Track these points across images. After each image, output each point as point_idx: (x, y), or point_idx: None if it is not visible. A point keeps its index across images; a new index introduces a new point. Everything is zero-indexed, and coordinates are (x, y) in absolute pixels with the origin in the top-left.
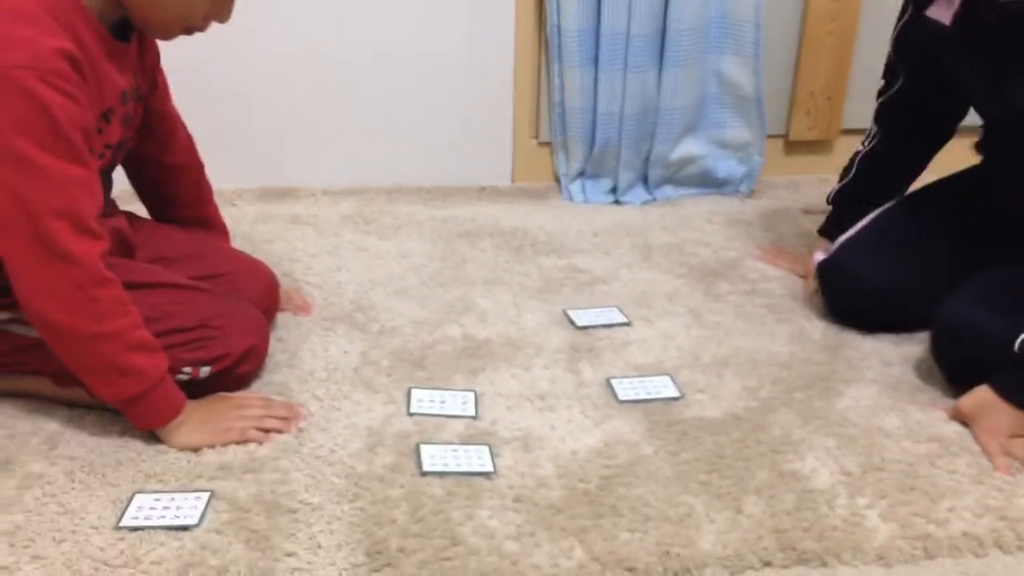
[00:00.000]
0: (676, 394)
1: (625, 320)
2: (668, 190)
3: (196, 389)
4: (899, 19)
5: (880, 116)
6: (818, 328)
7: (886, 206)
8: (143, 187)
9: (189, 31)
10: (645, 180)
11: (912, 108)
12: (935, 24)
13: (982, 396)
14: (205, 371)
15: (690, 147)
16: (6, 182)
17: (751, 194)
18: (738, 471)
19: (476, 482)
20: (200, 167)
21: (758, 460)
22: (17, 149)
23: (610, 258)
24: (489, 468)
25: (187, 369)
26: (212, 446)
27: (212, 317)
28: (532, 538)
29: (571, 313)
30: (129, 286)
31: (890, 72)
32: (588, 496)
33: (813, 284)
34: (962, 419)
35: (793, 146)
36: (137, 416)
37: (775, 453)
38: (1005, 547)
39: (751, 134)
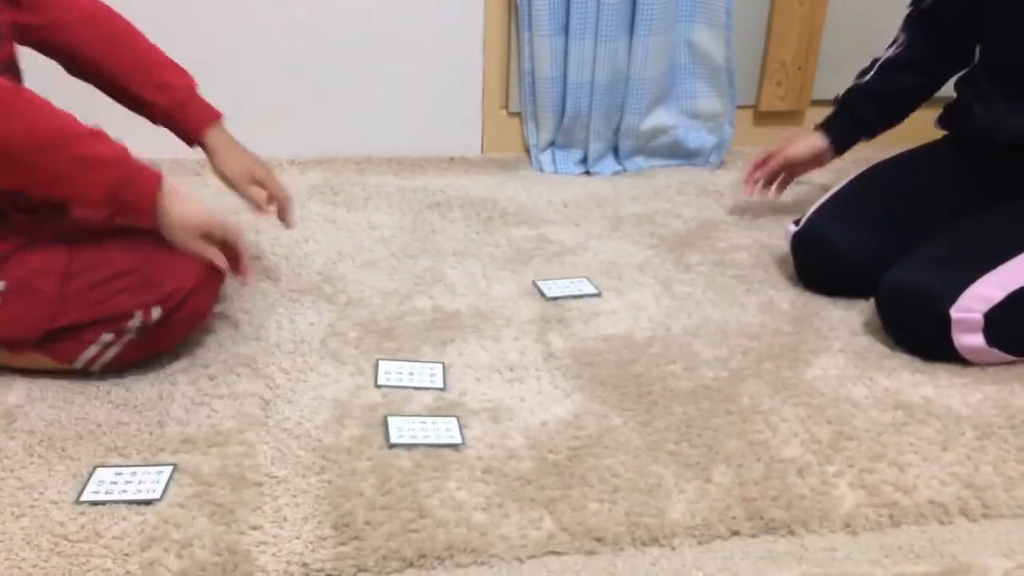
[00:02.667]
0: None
1: (595, 291)
2: (639, 160)
3: (153, 336)
4: None
5: (909, 23)
6: (787, 298)
7: (857, 175)
8: (73, 69)
9: None
10: (615, 151)
11: (942, 20)
12: None
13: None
14: (157, 312)
15: (661, 117)
16: None
17: (721, 165)
18: (707, 441)
19: (444, 454)
20: (109, 12)
21: (727, 430)
22: None
23: (580, 229)
24: (458, 440)
25: (138, 313)
26: (210, 231)
27: (150, 257)
28: (501, 509)
29: (541, 284)
30: (62, 236)
31: None
32: (557, 467)
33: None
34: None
35: (763, 116)
36: (133, 199)
37: (744, 423)
38: (970, 515)
39: (722, 104)
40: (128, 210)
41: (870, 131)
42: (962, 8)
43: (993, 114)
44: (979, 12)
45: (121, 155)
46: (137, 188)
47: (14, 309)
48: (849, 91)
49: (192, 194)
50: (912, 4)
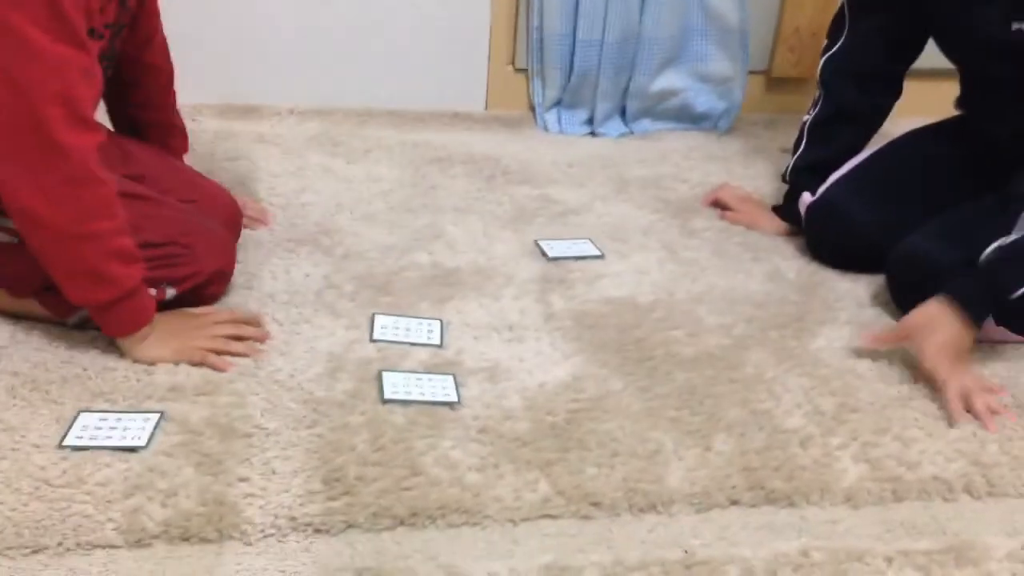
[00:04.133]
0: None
1: (598, 253)
2: (646, 123)
3: (160, 311)
4: None
5: (826, 73)
6: (793, 267)
7: (875, 150)
8: (114, 85)
9: None
10: (623, 112)
11: (855, 64)
12: None
13: (930, 308)
14: (171, 293)
15: (671, 79)
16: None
17: (730, 131)
18: (709, 408)
19: (440, 412)
20: (171, 72)
21: (730, 398)
22: (11, 24)
23: (584, 190)
24: (453, 398)
25: (152, 290)
26: (176, 363)
27: (181, 235)
28: (496, 470)
29: (543, 244)
30: None
31: (836, 27)
32: (555, 429)
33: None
34: (904, 335)
35: (775, 83)
36: (104, 322)
37: (747, 391)
38: (975, 492)
39: (733, 69)
40: (98, 321)
41: None
42: (870, 49)
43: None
44: (898, 51)
45: (128, 284)
46: (117, 318)
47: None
48: (792, 172)
49: (178, 330)
50: (823, 53)
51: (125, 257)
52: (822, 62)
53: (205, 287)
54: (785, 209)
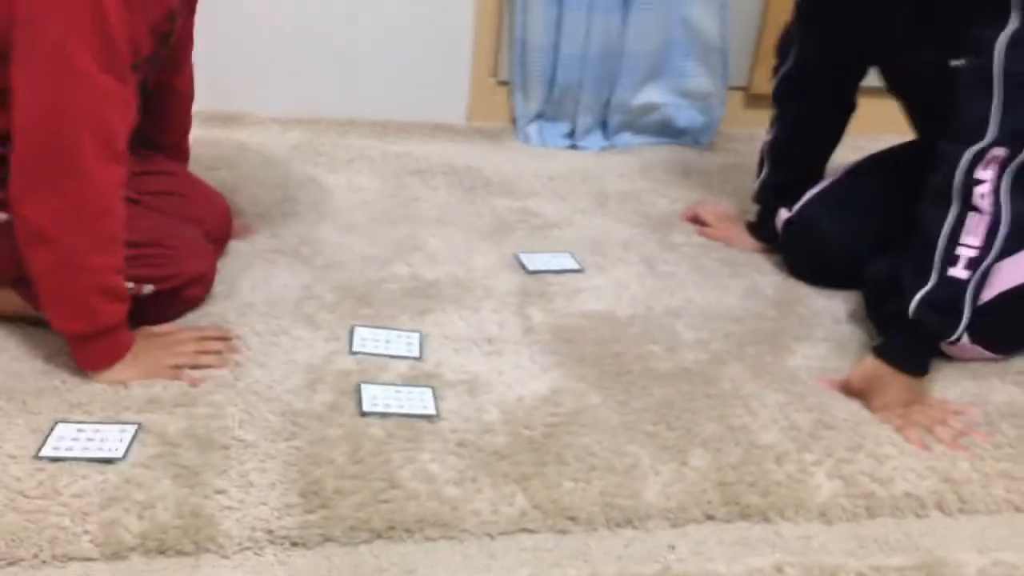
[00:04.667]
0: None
1: (577, 266)
2: (627, 137)
3: (135, 307)
4: None
5: (779, 94)
6: (771, 283)
7: (849, 166)
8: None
9: None
10: (604, 126)
11: (810, 81)
12: None
13: (871, 368)
14: (148, 289)
15: (652, 94)
16: (46, 81)
17: (710, 146)
18: (686, 423)
19: (418, 425)
20: (192, 98)
21: (706, 413)
22: (66, 49)
23: (565, 203)
24: (432, 411)
25: (130, 285)
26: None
27: (166, 237)
28: (474, 483)
29: (523, 257)
30: None
31: (784, 48)
32: (533, 443)
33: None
34: (853, 393)
35: (754, 99)
36: (77, 353)
37: (724, 407)
38: (946, 509)
39: (714, 84)
40: (73, 351)
41: None
42: (826, 61)
43: None
44: (853, 58)
45: (110, 321)
46: (92, 352)
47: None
48: (759, 194)
49: (143, 351)
50: (774, 73)
51: (112, 295)
52: (775, 82)
53: (185, 288)
54: (759, 228)
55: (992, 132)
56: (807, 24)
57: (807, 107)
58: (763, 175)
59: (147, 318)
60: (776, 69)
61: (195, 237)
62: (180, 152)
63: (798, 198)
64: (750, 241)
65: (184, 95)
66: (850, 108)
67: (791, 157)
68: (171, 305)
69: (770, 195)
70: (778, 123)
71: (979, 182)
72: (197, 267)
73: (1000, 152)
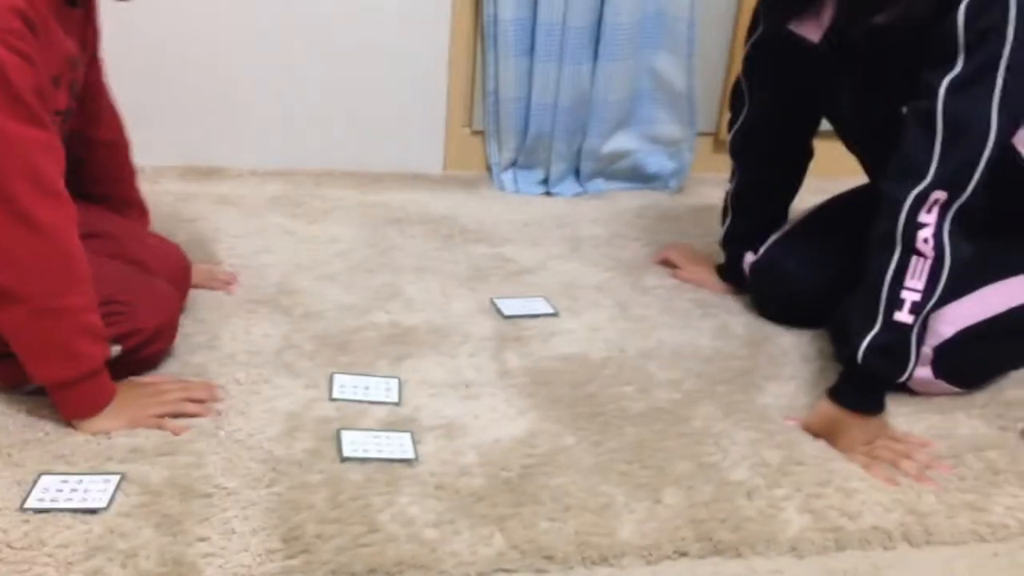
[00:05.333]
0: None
1: (552, 311)
2: (599, 183)
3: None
4: (749, 36)
5: (735, 148)
6: (741, 323)
7: (812, 209)
8: (67, 162)
9: None
10: (576, 172)
11: (765, 133)
12: (801, 40)
13: (827, 412)
14: (116, 350)
15: (622, 141)
16: None
17: (680, 190)
18: (659, 462)
19: (397, 469)
20: (127, 146)
21: (679, 452)
22: None
23: (539, 249)
24: (411, 455)
25: None
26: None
27: (118, 291)
28: (452, 525)
29: (498, 302)
30: None
31: (736, 102)
32: (509, 485)
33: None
34: (815, 435)
35: (722, 144)
36: (63, 402)
37: (696, 445)
38: (913, 541)
39: (682, 131)
40: (57, 401)
41: None
42: (777, 113)
43: None
44: (804, 110)
45: (93, 363)
46: (76, 398)
47: None
48: (724, 241)
49: (126, 400)
50: (729, 127)
51: (94, 334)
52: (730, 136)
53: (149, 344)
54: (727, 271)
55: (932, 173)
56: (755, 81)
57: (764, 159)
58: (727, 224)
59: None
60: (731, 124)
61: (150, 283)
62: (131, 206)
63: (763, 242)
64: (720, 283)
65: (113, 146)
66: (807, 155)
67: (752, 207)
68: (133, 364)
69: (734, 243)
70: (738, 175)
71: (922, 226)
72: (157, 319)
73: (941, 195)
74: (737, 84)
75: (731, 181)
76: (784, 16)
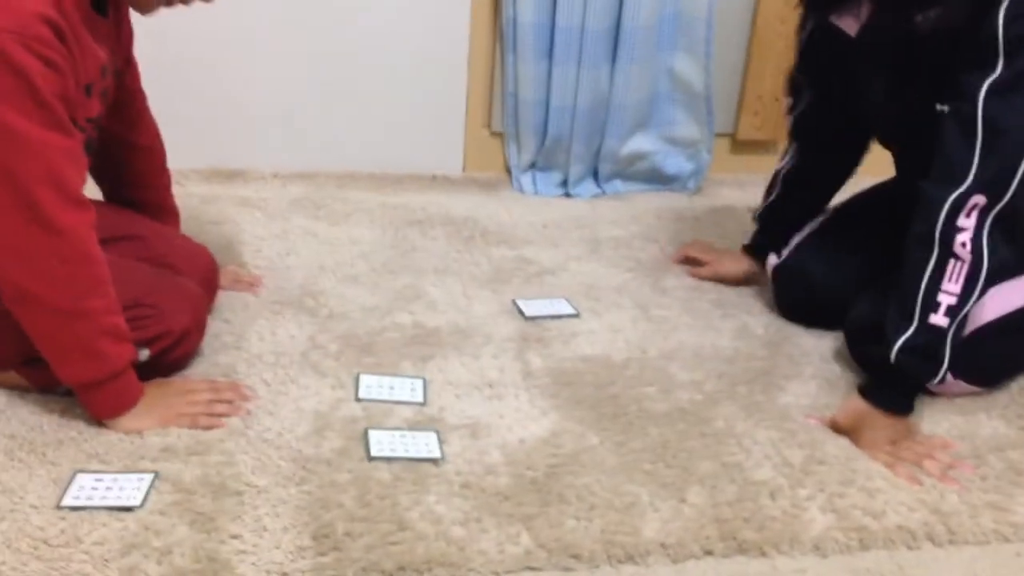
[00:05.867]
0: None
1: (573, 311)
2: (617, 184)
3: (139, 374)
4: (800, 30)
5: (795, 132)
6: (761, 323)
7: (835, 208)
8: (105, 166)
9: (171, 3)
10: (595, 174)
11: (824, 122)
12: (841, 33)
13: (857, 408)
14: (144, 354)
15: (640, 143)
16: None
17: (698, 191)
18: (682, 462)
19: (424, 468)
20: (163, 152)
21: (702, 452)
22: (2, 119)
23: (559, 250)
24: (437, 454)
25: None
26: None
27: (146, 294)
28: (479, 524)
29: (520, 303)
30: None
31: (795, 88)
32: (535, 484)
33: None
34: (840, 432)
35: (740, 145)
36: (91, 402)
37: (719, 445)
38: (936, 540)
39: (700, 132)
40: (84, 402)
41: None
42: (836, 105)
43: None
44: (850, 112)
45: (117, 363)
46: (104, 398)
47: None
48: (764, 212)
49: (158, 400)
50: (788, 111)
51: (117, 335)
52: (791, 120)
53: (177, 346)
54: (754, 247)
55: (971, 177)
56: (811, 74)
57: (821, 145)
58: (771, 198)
59: (142, 379)
60: (790, 108)
61: (177, 284)
62: (164, 211)
63: (787, 237)
64: (740, 264)
65: (149, 151)
66: (864, 149)
67: (800, 188)
68: (161, 366)
69: (772, 217)
70: (793, 155)
71: (960, 230)
72: (184, 320)
73: (980, 199)
74: (793, 73)
75: (783, 159)
76: (826, 9)
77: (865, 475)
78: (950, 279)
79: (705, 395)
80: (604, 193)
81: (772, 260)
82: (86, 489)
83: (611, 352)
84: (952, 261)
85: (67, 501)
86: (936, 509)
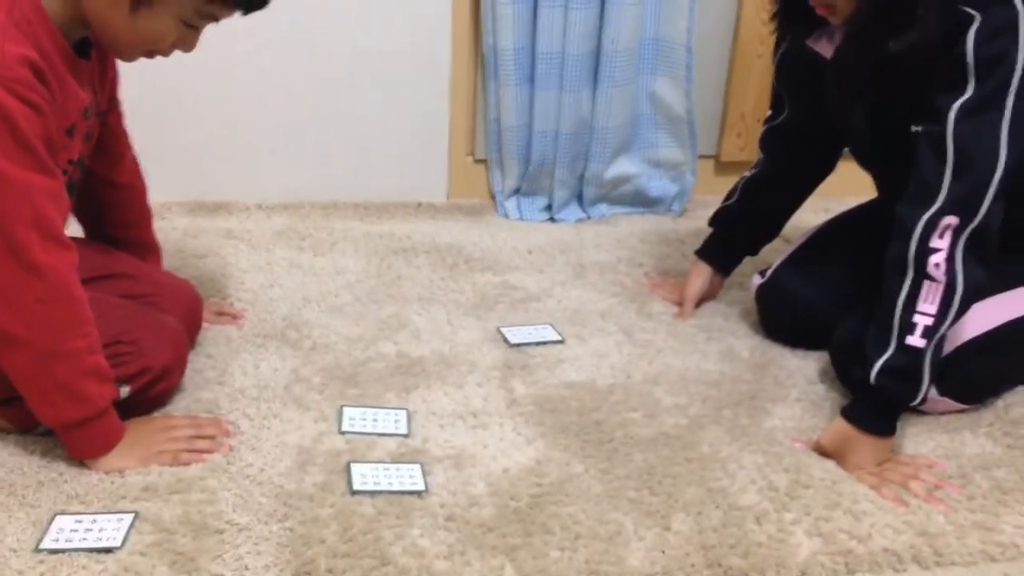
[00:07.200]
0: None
1: (558, 338)
2: (602, 208)
3: (119, 410)
4: (777, 46)
5: (764, 143)
6: (747, 346)
7: (818, 228)
8: (86, 204)
9: (151, 55)
10: (580, 198)
11: (794, 137)
12: (816, 55)
13: (841, 430)
14: (125, 391)
15: (624, 166)
16: None
17: (683, 213)
18: (667, 488)
19: (407, 501)
20: (144, 190)
21: (687, 477)
22: None
23: (544, 276)
24: (421, 487)
25: None
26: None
27: (124, 332)
28: (463, 557)
29: (505, 330)
30: None
31: (777, 101)
32: (519, 514)
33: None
34: (825, 454)
35: (724, 166)
36: (72, 442)
37: (704, 470)
38: (923, 563)
39: (683, 154)
40: (65, 443)
41: (748, 250)
42: (810, 121)
43: None
44: (831, 123)
45: (99, 404)
46: (85, 439)
47: None
48: (717, 215)
49: (138, 438)
50: (765, 122)
51: (99, 375)
52: (764, 129)
53: (158, 382)
54: (707, 251)
55: (942, 197)
56: (788, 92)
57: (788, 156)
58: (729, 202)
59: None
60: (768, 120)
61: (157, 321)
62: (146, 248)
63: (752, 247)
64: (702, 275)
65: (131, 189)
66: (828, 168)
67: (761, 196)
68: (142, 403)
69: (726, 221)
70: (761, 164)
71: (934, 251)
72: (165, 356)
73: (952, 220)
74: (774, 88)
75: (751, 170)
76: (802, 33)
77: (851, 498)
78: (925, 300)
79: (690, 419)
80: (589, 217)
81: (756, 279)
82: (65, 531)
83: (596, 377)
84: (927, 283)
85: (46, 544)
86: (923, 531)
